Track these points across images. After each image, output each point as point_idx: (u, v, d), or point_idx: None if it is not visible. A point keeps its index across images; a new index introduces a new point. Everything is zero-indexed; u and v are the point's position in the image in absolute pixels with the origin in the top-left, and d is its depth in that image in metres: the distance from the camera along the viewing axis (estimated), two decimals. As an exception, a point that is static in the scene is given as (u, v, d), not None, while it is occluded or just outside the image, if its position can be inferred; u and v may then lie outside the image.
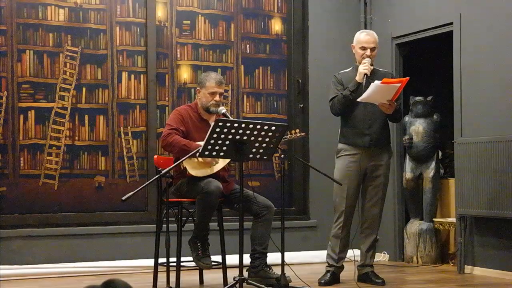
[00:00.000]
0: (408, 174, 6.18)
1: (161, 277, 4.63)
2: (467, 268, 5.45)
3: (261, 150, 4.24)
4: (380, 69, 5.10)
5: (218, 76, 4.81)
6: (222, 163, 4.63)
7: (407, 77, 4.72)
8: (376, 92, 4.63)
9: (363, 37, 4.94)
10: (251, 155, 4.26)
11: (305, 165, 6.20)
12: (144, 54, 5.93)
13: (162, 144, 4.67)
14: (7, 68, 5.53)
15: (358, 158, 4.92)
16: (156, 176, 4.32)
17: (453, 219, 5.74)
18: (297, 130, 4.67)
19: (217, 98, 4.70)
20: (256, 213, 4.66)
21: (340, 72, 5.05)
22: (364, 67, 4.81)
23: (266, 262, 4.70)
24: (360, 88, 4.75)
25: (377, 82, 4.60)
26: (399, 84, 4.63)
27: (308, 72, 6.38)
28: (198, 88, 4.79)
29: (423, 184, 6.17)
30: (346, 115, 4.95)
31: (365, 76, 4.77)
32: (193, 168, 4.53)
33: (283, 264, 4.41)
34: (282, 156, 4.53)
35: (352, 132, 4.93)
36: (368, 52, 4.88)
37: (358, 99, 4.73)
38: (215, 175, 4.59)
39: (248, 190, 4.61)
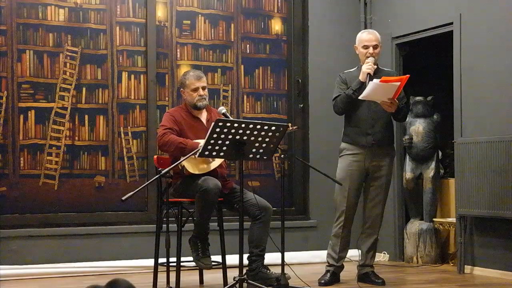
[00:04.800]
0: (408, 174, 6.18)
1: (161, 277, 4.63)
2: (467, 268, 5.45)
3: (261, 150, 4.24)
4: (385, 69, 5.10)
5: (196, 71, 4.86)
6: (219, 159, 4.63)
7: (407, 75, 4.71)
8: (375, 90, 4.62)
9: (364, 36, 4.94)
10: (251, 155, 4.26)
11: (305, 165, 6.20)
12: (144, 54, 5.94)
13: (158, 144, 4.68)
14: (7, 68, 5.53)
15: (360, 158, 4.92)
16: (156, 176, 4.32)
17: (453, 219, 5.74)
18: (289, 124, 4.67)
19: (200, 92, 4.73)
20: (254, 215, 4.65)
21: (345, 71, 5.05)
22: (367, 67, 4.80)
23: (263, 264, 4.68)
24: (363, 88, 4.74)
25: (375, 81, 4.60)
26: (398, 83, 4.61)
27: (308, 72, 6.37)
28: (181, 89, 4.82)
29: (423, 184, 6.17)
30: (349, 114, 4.95)
31: (369, 75, 4.77)
32: (191, 165, 4.54)
33: (283, 264, 4.41)
34: (282, 156, 4.53)
35: (355, 132, 4.93)
36: (370, 50, 4.87)
37: (360, 97, 4.73)
38: (213, 173, 4.59)
39: (247, 191, 4.61)
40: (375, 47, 4.89)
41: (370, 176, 4.96)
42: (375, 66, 4.86)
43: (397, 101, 4.76)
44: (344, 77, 4.99)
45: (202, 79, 4.78)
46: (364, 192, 5.03)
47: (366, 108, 4.88)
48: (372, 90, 4.61)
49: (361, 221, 5.09)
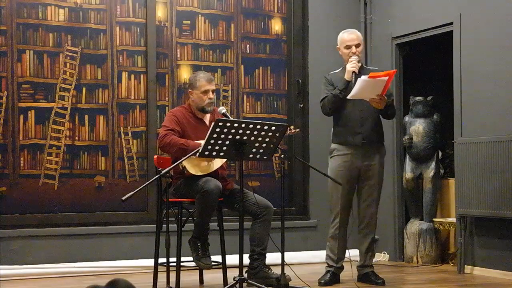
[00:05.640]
0: (408, 174, 6.18)
1: (161, 277, 4.63)
2: (467, 268, 5.45)
3: (261, 150, 4.24)
4: (370, 67, 5.12)
5: (207, 74, 4.84)
6: (220, 161, 4.63)
7: (394, 69, 4.73)
8: (364, 88, 4.62)
9: (346, 36, 4.97)
10: (251, 155, 4.26)
11: (305, 165, 6.20)
12: (144, 54, 5.94)
13: (159, 145, 4.67)
14: (7, 68, 5.53)
15: (351, 158, 4.91)
16: (156, 176, 4.32)
17: (453, 219, 5.74)
18: (292, 127, 4.68)
19: (210, 96, 4.71)
20: (255, 214, 4.65)
21: (330, 73, 5.08)
22: (351, 65, 4.82)
23: (264, 263, 4.69)
24: (349, 87, 4.76)
25: (364, 77, 4.60)
26: (386, 78, 4.60)
27: (308, 72, 6.38)
28: (189, 90, 4.79)
29: (423, 184, 6.17)
30: (337, 114, 4.95)
31: (354, 74, 4.78)
32: (192, 166, 4.54)
33: (283, 264, 4.41)
34: (282, 156, 4.54)
35: (344, 131, 4.93)
36: (353, 49, 4.89)
37: (348, 97, 4.73)
38: (214, 174, 4.59)
39: (247, 191, 4.62)
40: (357, 46, 4.92)
41: (362, 176, 4.96)
42: (359, 64, 4.88)
43: (385, 98, 4.76)
44: (330, 78, 5.01)
45: (213, 82, 4.78)
46: (358, 193, 5.03)
47: (355, 107, 4.88)
48: (361, 87, 4.60)
49: (357, 221, 5.09)
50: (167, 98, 6.00)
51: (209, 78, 4.76)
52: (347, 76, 4.82)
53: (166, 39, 6.01)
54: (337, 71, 5.05)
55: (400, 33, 6.21)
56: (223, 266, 4.69)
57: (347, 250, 4.97)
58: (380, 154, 5.00)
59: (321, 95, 5.00)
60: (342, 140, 4.94)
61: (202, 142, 4.27)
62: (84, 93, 5.75)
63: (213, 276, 5.05)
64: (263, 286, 4.31)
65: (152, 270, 4.71)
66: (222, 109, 4.67)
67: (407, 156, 6.24)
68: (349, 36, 4.96)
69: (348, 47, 4.92)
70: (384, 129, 6.22)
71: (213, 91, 4.74)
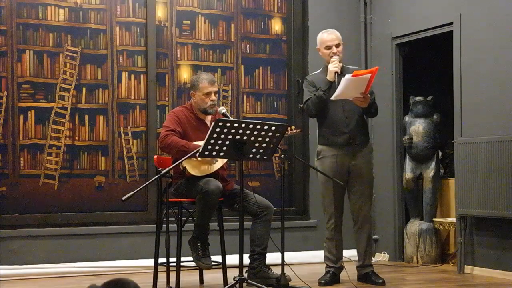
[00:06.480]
0: (408, 174, 6.18)
1: (161, 277, 4.63)
2: (467, 268, 5.45)
3: (261, 150, 4.24)
4: (350, 66, 5.13)
5: (210, 75, 4.83)
6: (221, 161, 4.63)
7: (376, 67, 4.74)
8: (348, 87, 4.62)
9: (326, 36, 4.98)
10: (251, 155, 4.26)
11: (305, 165, 6.20)
12: (144, 54, 5.94)
13: (160, 145, 4.67)
14: (7, 68, 5.53)
15: (339, 159, 4.90)
16: (156, 176, 4.32)
17: (453, 219, 5.74)
18: (293, 127, 4.68)
19: (213, 97, 4.71)
20: (255, 214, 4.65)
21: (311, 74, 5.11)
22: (333, 66, 4.82)
23: (265, 263, 4.69)
24: (333, 87, 4.76)
25: (347, 76, 4.61)
26: (369, 75, 4.62)
27: (308, 72, 6.35)
28: (192, 91, 4.78)
29: (423, 184, 6.17)
30: (322, 115, 4.95)
31: (336, 74, 4.78)
32: (193, 167, 4.53)
33: (283, 264, 4.41)
34: (282, 156, 4.55)
35: (330, 132, 4.93)
36: (334, 49, 4.90)
37: (332, 97, 4.73)
38: (215, 174, 4.59)
39: (248, 191, 4.62)
40: (337, 45, 4.93)
41: (351, 175, 4.95)
42: (341, 64, 4.88)
43: (369, 96, 4.77)
44: (311, 79, 5.01)
45: (215, 84, 4.78)
46: (349, 193, 5.02)
47: (338, 107, 4.88)
48: (345, 86, 4.61)
49: (352, 222, 5.08)
50: (167, 98, 6.00)
51: (212, 80, 4.75)
52: (329, 77, 4.82)
53: (166, 39, 6.01)
54: (317, 72, 5.06)
55: (400, 33, 6.21)
56: (223, 266, 4.69)
57: (348, 250, 4.97)
58: (367, 152, 5.01)
59: (304, 98, 5.00)
60: (329, 141, 4.94)
61: (203, 143, 4.28)
62: (84, 93, 5.75)
63: (213, 276, 5.05)
64: (263, 286, 4.31)
65: (152, 270, 4.72)
66: (222, 109, 4.67)
67: (407, 156, 6.24)
68: (329, 36, 4.96)
69: (328, 47, 4.93)
70: (384, 129, 6.27)
71: (215, 93, 4.73)
